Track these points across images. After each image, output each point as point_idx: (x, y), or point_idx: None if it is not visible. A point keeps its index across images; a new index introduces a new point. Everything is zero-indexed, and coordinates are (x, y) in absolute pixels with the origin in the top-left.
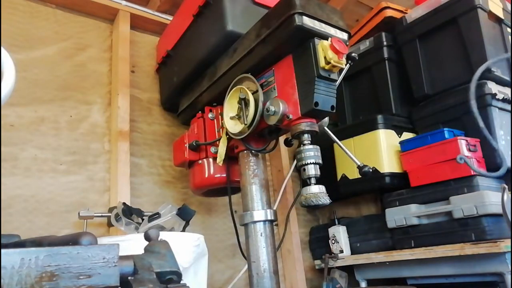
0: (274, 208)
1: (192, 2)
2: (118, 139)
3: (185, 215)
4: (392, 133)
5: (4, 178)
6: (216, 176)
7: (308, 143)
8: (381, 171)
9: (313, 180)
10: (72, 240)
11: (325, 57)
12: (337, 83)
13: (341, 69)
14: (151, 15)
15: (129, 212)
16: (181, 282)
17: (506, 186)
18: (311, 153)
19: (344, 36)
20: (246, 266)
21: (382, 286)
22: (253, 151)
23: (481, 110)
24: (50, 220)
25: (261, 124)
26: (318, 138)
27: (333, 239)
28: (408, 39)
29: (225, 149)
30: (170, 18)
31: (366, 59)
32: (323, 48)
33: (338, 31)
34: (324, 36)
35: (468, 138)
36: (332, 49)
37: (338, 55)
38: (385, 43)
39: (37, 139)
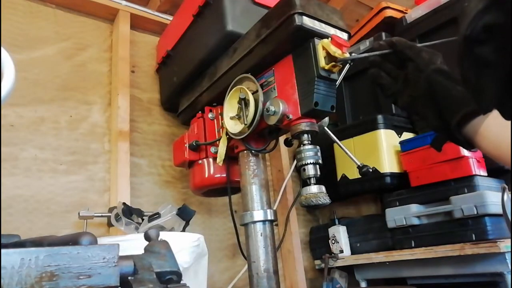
0: (274, 208)
1: (192, 2)
2: (118, 139)
3: (185, 215)
4: (392, 133)
5: (4, 178)
6: (216, 176)
7: (308, 143)
8: (381, 171)
9: (313, 180)
10: (72, 240)
11: (327, 55)
12: (337, 83)
13: (341, 69)
14: (151, 15)
15: (129, 212)
16: (181, 282)
17: (506, 186)
18: (311, 153)
19: (344, 36)
20: (246, 266)
21: (382, 286)
22: (253, 151)
23: None
24: (50, 220)
25: (261, 124)
26: (318, 138)
27: (333, 239)
28: (408, 39)
29: (225, 149)
30: (170, 18)
31: (366, 59)
32: (324, 46)
33: (338, 31)
34: (324, 36)
35: None
36: (334, 44)
37: (341, 49)
38: None
39: (37, 139)
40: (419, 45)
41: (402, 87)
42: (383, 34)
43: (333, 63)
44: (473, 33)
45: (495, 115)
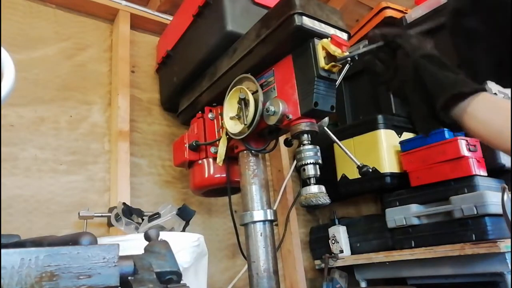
0: (274, 208)
1: (192, 2)
2: (118, 139)
3: (185, 215)
4: (392, 133)
5: (4, 178)
6: (216, 176)
7: (308, 143)
8: (381, 171)
9: (312, 180)
10: (72, 240)
11: (327, 55)
12: (337, 83)
13: (341, 69)
14: (151, 15)
15: (129, 212)
16: (181, 282)
17: (506, 186)
18: (311, 153)
19: (344, 36)
20: (246, 266)
21: (382, 286)
22: (253, 151)
23: None
24: (50, 220)
25: (261, 124)
26: (318, 138)
27: (333, 239)
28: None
29: (225, 149)
30: (170, 18)
31: (364, 55)
32: (324, 45)
33: (337, 31)
34: (324, 36)
35: (468, 138)
36: (334, 43)
37: (341, 48)
38: None
39: (37, 139)
40: (410, 31)
41: (393, 74)
42: None
43: (333, 63)
44: (460, 4)
45: (482, 97)
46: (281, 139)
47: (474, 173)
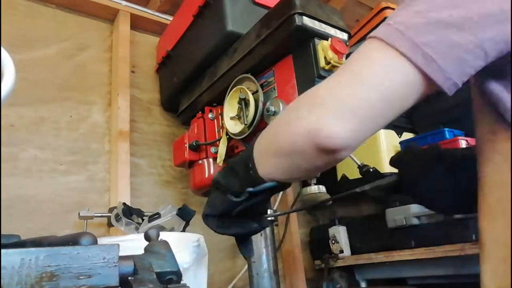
0: (274, 208)
1: (192, 2)
2: (118, 139)
3: (185, 215)
4: (392, 133)
5: (4, 178)
6: None
7: None
8: (381, 171)
9: (313, 180)
10: (72, 240)
11: (325, 57)
12: None
13: None
14: (151, 15)
15: (129, 212)
16: (181, 282)
17: None
18: None
19: (344, 36)
20: (246, 266)
21: (382, 286)
22: None
23: None
24: (50, 220)
25: (261, 124)
26: None
27: (333, 239)
28: None
29: (225, 149)
30: (170, 18)
31: None
32: (323, 48)
33: (338, 31)
34: (324, 36)
35: (468, 138)
36: (332, 49)
37: (338, 55)
38: None
39: (37, 139)
40: None
41: None
42: None
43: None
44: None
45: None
46: None
47: None
